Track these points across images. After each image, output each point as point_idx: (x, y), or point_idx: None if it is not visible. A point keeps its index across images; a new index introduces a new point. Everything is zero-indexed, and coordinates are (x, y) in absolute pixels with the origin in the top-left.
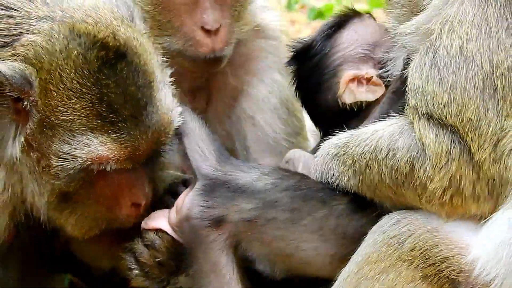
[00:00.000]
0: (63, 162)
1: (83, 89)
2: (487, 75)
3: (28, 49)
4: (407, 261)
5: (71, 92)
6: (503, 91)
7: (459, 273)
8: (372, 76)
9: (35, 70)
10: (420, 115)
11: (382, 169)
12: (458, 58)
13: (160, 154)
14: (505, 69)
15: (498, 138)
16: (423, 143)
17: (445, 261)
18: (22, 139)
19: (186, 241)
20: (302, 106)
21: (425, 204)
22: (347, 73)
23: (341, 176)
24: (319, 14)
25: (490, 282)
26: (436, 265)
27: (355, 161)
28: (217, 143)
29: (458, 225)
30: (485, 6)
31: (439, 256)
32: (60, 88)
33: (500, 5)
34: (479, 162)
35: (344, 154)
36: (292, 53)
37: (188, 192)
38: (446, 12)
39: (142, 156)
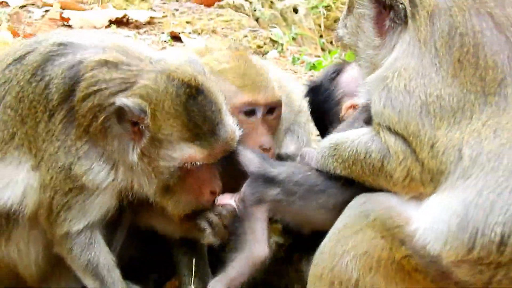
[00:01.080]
0: (167, 162)
1: (177, 114)
2: (423, 102)
3: (142, 90)
4: (371, 227)
5: (170, 116)
6: (434, 111)
7: (405, 236)
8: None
9: (147, 103)
10: (383, 128)
11: (363, 166)
12: (404, 92)
13: (229, 156)
14: (434, 97)
15: (433, 143)
16: (387, 146)
17: (396, 228)
18: (139, 150)
19: (240, 214)
20: (315, 124)
21: (392, 187)
22: (346, 103)
23: (336, 169)
24: (312, 67)
25: (426, 244)
26: (390, 230)
27: (344, 160)
28: (258, 151)
29: (406, 204)
30: (422, 59)
31: (392, 224)
32: (163, 114)
33: (431, 56)
34: (422, 159)
35: (335, 155)
36: (308, 89)
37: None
38: (395, 65)
39: (217, 157)
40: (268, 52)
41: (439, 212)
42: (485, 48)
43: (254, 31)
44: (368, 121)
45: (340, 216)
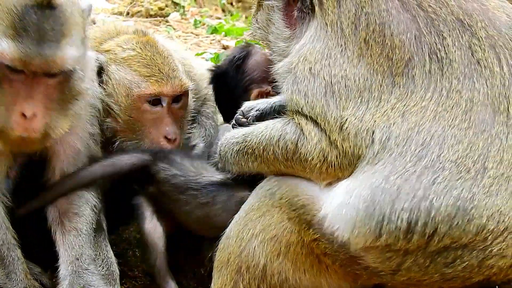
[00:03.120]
0: None
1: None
2: (327, 82)
3: None
4: (277, 207)
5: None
6: (339, 92)
7: (312, 217)
8: (270, 91)
9: None
10: (295, 112)
11: (276, 150)
12: (309, 75)
13: None
14: (339, 77)
15: (341, 124)
16: (301, 127)
17: (302, 208)
18: None
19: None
20: (220, 110)
21: (309, 173)
22: (254, 90)
23: (247, 163)
24: (214, 30)
25: (335, 231)
26: (297, 210)
27: (254, 150)
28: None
29: (313, 183)
30: (327, 41)
31: (298, 203)
32: None
33: (337, 37)
34: (335, 141)
35: (245, 147)
36: (212, 76)
37: None
38: (302, 51)
39: (28, 66)
40: (169, 14)
41: (347, 197)
42: (391, 27)
43: None
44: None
45: (248, 198)
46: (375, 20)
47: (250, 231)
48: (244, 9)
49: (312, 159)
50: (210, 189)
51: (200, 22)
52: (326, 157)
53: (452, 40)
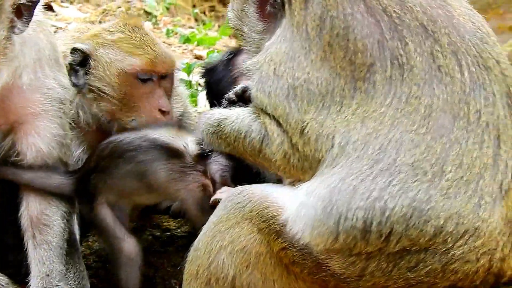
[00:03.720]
0: None
1: None
2: (290, 85)
3: None
4: (248, 219)
5: None
6: (301, 95)
7: (281, 226)
8: None
9: None
10: (260, 110)
11: (244, 144)
12: (273, 76)
13: None
14: (302, 81)
15: (302, 127)
16: (265, 127)
17: (272, 218)
18: None
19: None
20: (209, 100)
21: (275, 171)
22: (241, 82)
23: (220, 146)
24: (186, 40)
25: (296, 233)
26: (267, 220)
27: (226, 137)
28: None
29: (282, 192)
30: (293, 42)
31: (269, 214)
32: None
33: (302, 40)
34: (296, 144)
35: (219, 131)
36: (204, 70)
37: None
38: (269, 50)
39: None
40: None
41: (306, 198)
42: (355, 31)
43: (128, 1)
44: None
45: (215, 209)
46: (340, 24)
47: (219, 243)
48: (217, 18)
49: (276, 160)
50: None
51: (172, 31)
52: (289, 159)
53: (414, 46)
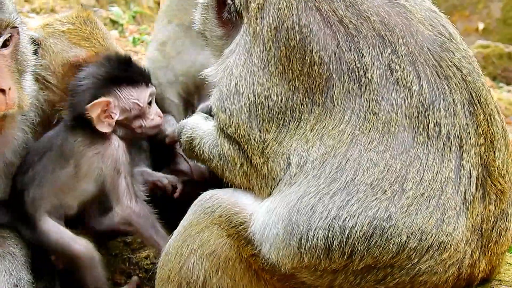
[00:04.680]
0: None
1: None
2: (252, 103)
3: None
4: (217, 224)
5: None
6: (262, 113)
7: (250, 235)
8: None
9: None
10: (219, 131)
11: (210, 165)
12: (234, 93)
13: None
14: (262, 98)
15: (262, 148)
16: (224, 153)
17: (241, 225)
18: None
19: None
20: None
21: (239, 186)
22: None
23: (193, 155)
24: None
25: (265, 252)
26: (236, 227)
27: (196, 148)
28: None
29: (249, 199)
30: (251, 53)
31: (238, 221)
32: None
33: (260, 52)
34: (255, 164)
35: (192, 149)
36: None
37: None
38: (229, 60)
39: None
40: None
41: (267, 217)
42: (311, 43)
43: (94, 11)
44: None
45: (186, 214)
46: (295, 35)
47: (189, 247)
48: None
49: (236, 179)
50: None
51: (138, 39)
52: (248, 178)
53: (371, 58)
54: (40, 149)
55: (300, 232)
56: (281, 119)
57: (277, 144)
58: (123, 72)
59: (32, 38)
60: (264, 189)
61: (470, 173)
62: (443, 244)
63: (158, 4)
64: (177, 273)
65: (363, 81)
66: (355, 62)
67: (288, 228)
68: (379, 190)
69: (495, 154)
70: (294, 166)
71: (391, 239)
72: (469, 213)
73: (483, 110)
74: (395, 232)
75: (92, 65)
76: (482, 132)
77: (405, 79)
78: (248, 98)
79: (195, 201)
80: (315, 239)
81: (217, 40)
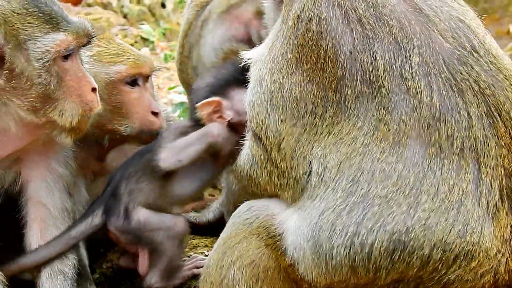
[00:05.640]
0: (40, 58)
1: (29, 11)
2: (269, 91)
3: None
4: (255, 235)
5: (23, 15)
6: (277, 101)
7: (287, 248)
8: None
9: None
10: (248, 131)
11: (242, 172)
12: (258, 81)
13: None
14: (277, 85)
15: (279, 142)
16: (252, 153)
17: (278, 236)
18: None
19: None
20: None
21: (264, 194)
22: None
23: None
24: None
25: (298, 268)
26: (274, 237)
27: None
28: None
29: (286, 212)
30: (278, 38)
31: (275, 232)
32: (15, 17)
33: (284, 36)
34: (275, 160)
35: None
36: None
37: None
38: (262, 47)
39: (83, 41)
40: (139, 50)
41: (295, 236)
42: (327, 38)
43: (124, 29)
44: None
45: (225, 226)
46: (314, 27)
47: (229, 259)
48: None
49: (263, 181)
50: None
51: (170, 56)
52: (271, 177)
53: (384, 64)
54: (143, 149)
55: (324, 251)
56: (295, 108)
57: (293, 140)
58: (239, 75)
59: None
60: (286, 189)
61: (491, 185)
62: (470, 253)
63: None
64: (218, 286)
65: (374, 86)
66: (368, 65)
67: (313, 248)
68: (394, 203)
69: None
70: (315, 174)
71: (413, 252)
72: (496, 223)
73: (505, 124)
74: (417, 245)
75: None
76: (505, 144)
77: (415, 89)
78: (267, 85)
79: (234, 213)
80: (338, 257)
81: (272, 14)
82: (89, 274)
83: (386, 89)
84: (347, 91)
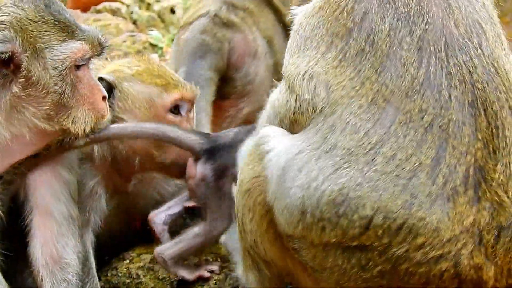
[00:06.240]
0: (57, 66)
1: (45, 19)
2: (294, 32)
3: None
4: (252, 157)
5: (40, 24)
6: (296, 40)
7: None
8: None
9: (8, 27)
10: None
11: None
12: (293, 31)
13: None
14: (299, 26)
15: (288, 69)
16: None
17: (266, 153)
18: (19, 81)
19: (203, 193)
20: None
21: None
22: None
23: None
24: None
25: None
26: (261, 160)
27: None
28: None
29: (282, 136)
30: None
31: (263, 150)
32: (32, 25)
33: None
34: (291, 87)
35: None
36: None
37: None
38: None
39: (98, 50)
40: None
41: (274, 159)
42: None
43: (133, 35)
44: None
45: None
46: None
47: (239, 182)
48: None
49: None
50: None
51: None
52: (287, 102)
53: (389, 29)
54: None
55: (285, 187)
56: (303, 44)
57: (294, 67)
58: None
59: (106, 80)
60: (305, 113)
61: (455, 168)
62: (415, 228)
63: None
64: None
65: (374, 46)
66: (376, 26)
67: (279, 180)
68: (353, 158)
69: (496, 166)
70: (320, 103)
71: (356, 210)
72: (453, 206)
73: (488, 120)
74: (360, 204)
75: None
76: (482, 138)
77: (407, 59)
78: (295, 30)
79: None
80: (293, 197)
81: None
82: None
83: (382, 52)
84: (351, 43)
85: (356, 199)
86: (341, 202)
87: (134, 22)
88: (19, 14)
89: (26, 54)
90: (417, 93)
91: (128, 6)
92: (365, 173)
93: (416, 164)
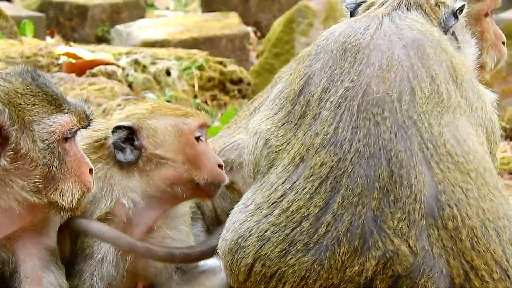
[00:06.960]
0: (46, 139)
1: (33, 92)
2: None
3: None
4: None
5: (29, 97)
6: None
7: None
8: None
9: None
10: None
11: None
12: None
13: None
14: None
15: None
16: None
17: None
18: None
19: None
20: None
21: None
22: None
23: None
24: None
25: None
26: None
27: None
28: None
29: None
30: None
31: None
32: (21, 99)
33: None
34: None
35: None
36: None
37: None
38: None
39: (85, 123)
40: None
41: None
42: (308, 58)
43: (128, 99)
44: None
45: None
46: (309, 49)
47: None
48: (219, 107)
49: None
50: None
51: None
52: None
53: (320, 92)
54: None
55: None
56: (266, 104)
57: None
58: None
59: (124, 127)
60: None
61: (342, 217)
62: (284, 275)
63: (193, 86)
64: None
65: (309, 108)
66: (313, 89)
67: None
68: (257, 211)
69: (395, 214)
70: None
71: (242, 258)
72: (330, 256)
73: (392, 169)
74: (245, 252)
75: None
76: (381, 188)
77: (326, 118)
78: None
79: None
80: (222, 243)
81: None
82: None
83: (313, 113)
84: (296, 107)
85: (245, 248)
86: (236, 250)
87: (130, 85)
88: (7, 87)
89: (14, 127)
90: (324, 148)
91: (123, 69)
92: (260, 225)
93: (304, 215)
